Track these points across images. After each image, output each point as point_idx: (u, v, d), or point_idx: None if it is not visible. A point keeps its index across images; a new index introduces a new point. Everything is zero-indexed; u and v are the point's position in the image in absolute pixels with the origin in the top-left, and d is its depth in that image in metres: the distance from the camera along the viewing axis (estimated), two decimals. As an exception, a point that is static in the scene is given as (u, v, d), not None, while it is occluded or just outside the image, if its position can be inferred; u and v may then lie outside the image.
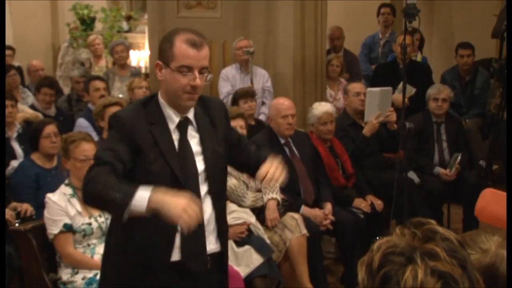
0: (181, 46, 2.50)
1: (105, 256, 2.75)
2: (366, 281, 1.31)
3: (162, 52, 2.56)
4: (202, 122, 2.65)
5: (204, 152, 2.63)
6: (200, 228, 2.55)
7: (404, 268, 1.25)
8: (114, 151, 2.47)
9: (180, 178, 2.54)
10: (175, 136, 2.59)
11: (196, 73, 2.51)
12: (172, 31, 2.59)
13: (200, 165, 2.61)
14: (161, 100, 2.60)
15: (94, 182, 2.39)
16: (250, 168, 2.78)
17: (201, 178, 2.62)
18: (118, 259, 2.63)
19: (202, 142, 2.63)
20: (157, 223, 2.40)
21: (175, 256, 2.59)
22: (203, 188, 2.62)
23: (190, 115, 2.64)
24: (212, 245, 2.68)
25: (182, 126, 2.61)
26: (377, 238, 1.36)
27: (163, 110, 2.59)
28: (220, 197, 2.72)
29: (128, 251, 2.59)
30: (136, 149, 2.50)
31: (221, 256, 2.75)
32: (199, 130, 2.64)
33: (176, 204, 2.24)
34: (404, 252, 1.27)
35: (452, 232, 1.33)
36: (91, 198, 2.44)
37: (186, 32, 2.54)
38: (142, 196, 2.27)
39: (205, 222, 2.61)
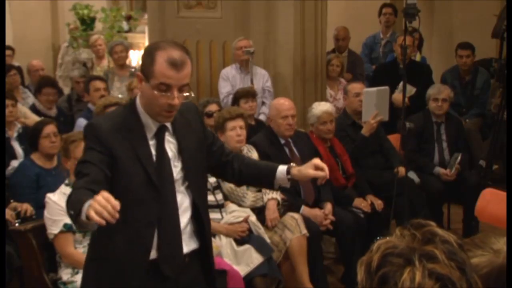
0: (161, 65, 2.45)
1: (87, 259, 2.74)
2: (364, 281, 1.31)
3: (143, 65, 2.54)
4: (178, 126, 2.64)
5: (181, 156, 2.63)
6: (176, 231, 2.59)
7: (402, 270, 1.25)
8: (90, 162, 2.46)
9: (156, 183, 2.54)
10: (152, 143, 2.58)
11: (175, 92, 2.47)
12: (154, 45, 2.56)
13: (177, 169, 2.62)
14: (140, 108, 2.58)
15: (68, 200, 2.43)
16: (254, 178, 2.87)
17: (178, 182, 2.62)
18: (98, 262, 2.64)
19: (179, 145, 2.63)
20: (134, 225, 2.46)
21: (153, 254, 2.58)
22: (181, 191, 2.63)
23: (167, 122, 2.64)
24: (190, 245, 2.68)
25: (160, 134, 2.60)
26: (378, 238, 1.36)
27: (141, 118, 2.58)
28: (199, 198, 2.70)
29: (108, 253, 2.59)
30: (112, 156, 2.49)
31: (201, 251, 2.73)
32: (175, 134, 2.64)
33: (88, 209, 2.18)
34: (403, 253, 1.27)
35: (452, 234, 1.32)
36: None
37: (168, 49, 2.48)
38: (84, 211, 2.23)
39: (182, 225, 2.62)
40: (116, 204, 2.13)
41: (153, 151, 2.58)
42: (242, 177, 2.87)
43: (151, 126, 2.59)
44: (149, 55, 2.51)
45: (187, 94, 2.54)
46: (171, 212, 2.60)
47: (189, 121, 2.70)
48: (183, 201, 2.64)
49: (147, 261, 2.56)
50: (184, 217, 2.64)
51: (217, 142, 2.86)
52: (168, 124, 2.62)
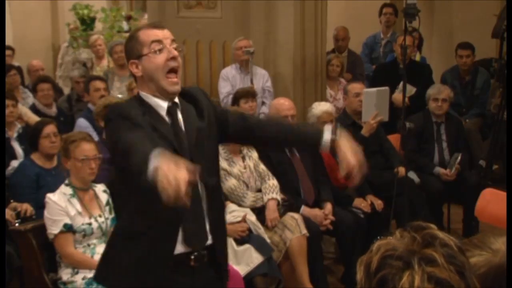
0: (144, 32, 2.56)
1: (117, 238, 2.69)
2: (363, 282, 1.31)
3: (130, 50, 2.58)
4: (186, 108, 2.63)
5: (187, 133, 2.59)
6: (199, 209, 2.54)
7: (401, 273, 1.25)
8: (129, 130, 2.42)
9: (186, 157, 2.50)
10: (167, 120, 2.58)
11: (169, 46, 2.53)
12: (132, 31, 2.68)
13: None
14: (144, 94, 2.59)
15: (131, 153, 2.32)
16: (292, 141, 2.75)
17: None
18: (122, 249, 2.60)
19: (185, 123, 2.60)
20: (160, 215, 2.43)
21: (179, 249, 2.56)
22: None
23: (177, 100, 2.62)
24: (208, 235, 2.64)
25: (172, 110, 2.59)
26: (378, 238, 1.36)
27: (150, 102, 2.58)
28: (211, 185, 2.63)
29: (133, 241, 2.56)
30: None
31: (215, 250, 2.69)
32: (183, 115, 2.61)
33: (163, 176, 2.11)
34: (403, 256, 1.27)
35: (452, 237, 1.32)
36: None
37: (144, 25, 2.64)
38: (152, 166, 2.17)
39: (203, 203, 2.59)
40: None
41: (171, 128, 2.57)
42: (268, 141, 2.79)
43: (161, 105, 2.57)
44: (131, 39, 2.60)
45: (181, 47, 2.59)
46: (195, 187, 2.50)
47: (198, 102, 2.66)
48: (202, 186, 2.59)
49: (172, 253, 2.53)
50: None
51: (232, 114, 2.76)
52: (177, 100, 2.60)
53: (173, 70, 2.54)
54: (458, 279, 1.25)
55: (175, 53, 2.53)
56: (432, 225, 1.34)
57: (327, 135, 2.58)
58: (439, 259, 1.25)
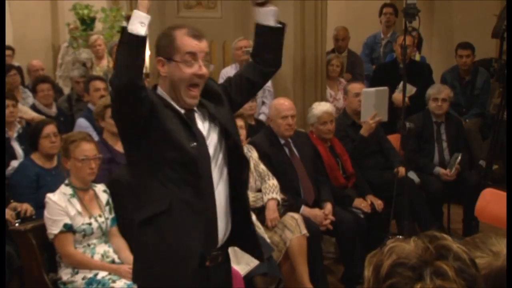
0: (182, 37, 2.54)
1: (140, 222, 2.65)
2: (372, 284, 1.30)
3: (163, 48, 2.57)
4: (202, 104, 2.63)
5: (215, 131, 2.62)
6: (211, 212, 2.55)
7: (412, 285, 1.25)
8: None
9: (195, 132, 2.54)
10: (186, 119, 2.58)
11: (201, 61, 2.53)
12: (170, 27, 2.62)
13: (211, 149, 2.60)
14: (163, 92, 2.60)
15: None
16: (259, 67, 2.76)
17: (213, 163, 2.60)
18: (154, 220, 2.57)
19: (211, 121, 2.62)
20: (181, 188, 2.47)
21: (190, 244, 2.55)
22: (216, 173, 2.60)
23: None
24: (223, 233, 2.64)
25: (190, 115, 2.60)
26: (390, 237, 1.35)
27: (167, 101, 2.59)
28: (236, 180, 2.66)
29: (156, 223, 2.55)
30: (152, 110, 2.49)
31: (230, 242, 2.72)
32: (203, 113, 2.63)
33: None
34: (415, 267, 1.26)
35: (465, 247, 1.32)
36: (120, 73, 2.40)
37: (185, 26, 2.58)
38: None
39: (219, 207, 2.59)
40: None
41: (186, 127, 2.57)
42: (262, 56, 2.76)
43: (177, 109, 2.58)
44: (166, 36, 2.57)
45: (210, 64, 2.60)
46: (206, 166, 2.56)
47: (217, 96, 2.68)
48: (217, 186, 2.60)
49: (202, 210, 2.53)
50: (218, 199, 2.60)
51: (227, 83, 2.79)
52: (197, 110, 2.61)
53: (196, 85, 2.55)
54: None
55: (204, 71, 2.54)
56: (446, 236, 1.33)
57: (257, 15, 2.72)
58: (450, 272, 1.25)
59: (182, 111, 2.58)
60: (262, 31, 2.73)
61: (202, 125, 2.62)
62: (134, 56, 2.38)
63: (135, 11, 2.40)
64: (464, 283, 1.26)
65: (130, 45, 2.37)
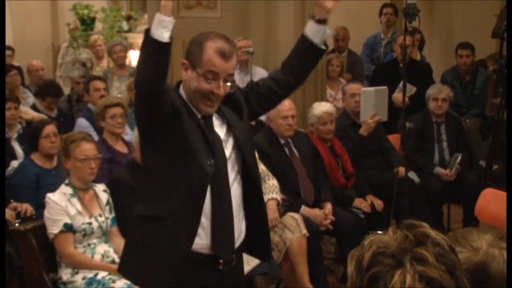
0: (211, 54, 2.49)
1: (135, 217, 2.68)
2: (354, 278, 1.32)
3: (191, 54, 2.55)
4: (227, 113, 2.64)
5: (230, 141, 2.62)
6: (228, 215, 2.57)
7: (393, 272, 1.26)
8: None
9: (213, 149, 2.53)
10: (201, 122, 2.58)
11: (221, 82, 2.50)
12: (204, 35, 2.58)
13: (227, 152, 2.61)
14: (184, 94, 2.59)
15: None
16: (283, 80, 2.74)
17: (230, 165, 2.61)
18: (148, 221, 2.59)
19: (228, 131, 2.63)
20: (183, 200, 2.47)
21: (203, 246, 2.57)
22: (231, 176, 2.61)
23: None
24: (238, 236, 2.65)
25: (207, 119, 2.60)
26: (370, 232, 1.36)
27: (187, 103, 2.59)
28: (251, 182, 2.67)
29: (160, 212, 2.55)
30: (174, 110, 2.49)
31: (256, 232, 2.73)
32: (222, 120, 2.64)
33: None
34: (395, 254, 1.27)
35: (443, 235, 1.33)
36: (143, 77, 2.40)
37: (217, 40, 2.52)
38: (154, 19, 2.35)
39: (234, 210, 2.60)
40: None
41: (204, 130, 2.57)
42: (292, 67, 2.74)
43: (196, 113, 2.58)
44: (197, 44, 2.53)
45: (231, 84, 2.56)
46: (223, 183, 2.56)
47: (237, 103, 2.67)
48: (232, 187, 2.61)
49: (189, 249, 2.53)
50: (234, 201, 2.61)
51: (249, 89, 2.79)
52: (215, 114, 2.62)
53: (210, 100, 2.54)
54: (449, 278, 1.26)
55: (221, 92, 2.51)
56: (424, 224, 1.34)
57: (307, 27, 2.67)
58: (430, 258, 1.26)
59: (199, 115, 2.58)
60: (305, 44, 2.69)
61: (219, 132, 2.62)
62: (156, 62, 2.34)
63: (157, 14, 2.34)
64: (444, 268, 1.26)
65: (153, 50, 2.33)
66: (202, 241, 2.55)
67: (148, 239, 2.57)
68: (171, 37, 2.36)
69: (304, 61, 2.73)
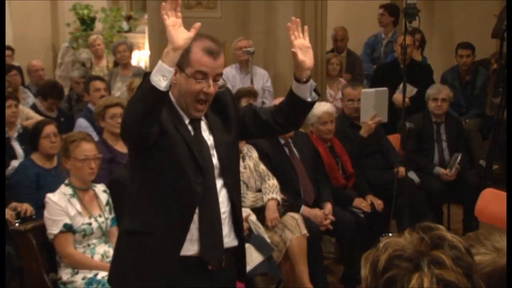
0: (198, 53, 2.49)
1: (122, 231, 2.70)
2: (369, 281, 1.31)
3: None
4: (212, 120, 2.64)
5: (217, 146, 2.62)
6: (217, 221, 2.57)
7: (410, 275, 1.25)
8: None
9: (202, 166, 2.54)
10: (190, 128, 2.59)
11: (210, 81, 2.50)
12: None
13: (213, 159, 2.61)
14: (172, 99, 2.58)
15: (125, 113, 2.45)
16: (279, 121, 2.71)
17: (216, 172, 2.61)
18: (134, 236, 2.60)
19: (214, 136, 2.63)
20: (170, 215, 2.47)
21: (192, 251, 2.57)
22: (219, 182, 2.62)
23: None
24: (228, 238, 2.66)
25: (195, 123, 2.60)
26: (384, 235, 1.35)
27: (176, 108, 2.58)
28: (235, 190, 2.70)
29: (147, 228, 2.55)
30: (161, 127, 2.47)
31: (238, 250, 2.73)
32: (209, 125, 2.64)
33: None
34: (412, 258, 1.27)
35: (460, 238, 1.32)
36: (131, 119, 2.38)
37: (204, 39, 2.53)
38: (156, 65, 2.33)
39: (222, 215, 2.61)
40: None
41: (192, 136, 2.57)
42: (286, 118, 2.71)
43: (184, 117, 2.58)
44: None
45: (221, 82, 2.56)
46: (212, 199, 2.57)
47: (224, 108, 2.67)
48: (221, 193, 2.62)
49: (179, 252, 2.53)
50: (222, 208, 2.62)
51: (247, 111, 2.77)
52: (203, 118, 2.62)
53: (202, 100, 2.54)
54: (466, 281, 1.26)
55: (211, 91, 2.51)
56: (441, 226, 1.34)
57: (295, 88, 2.64)
58: (447, 261, 1.26)
59: (187, 120, 2.58)
60: (295, 102, 2.65)
61: (208, 136, 2.62)
62: (151, 107, 2.33)
63: (160, 62, 2.32)
64: (461, 271, 1.26)
65: (148, 96, 2.31)
66: (190, 246, 2.56)
67: (136, 253, 2.57)
68: (171, 86, 2.35)
69: (298, 113, 2.73)
